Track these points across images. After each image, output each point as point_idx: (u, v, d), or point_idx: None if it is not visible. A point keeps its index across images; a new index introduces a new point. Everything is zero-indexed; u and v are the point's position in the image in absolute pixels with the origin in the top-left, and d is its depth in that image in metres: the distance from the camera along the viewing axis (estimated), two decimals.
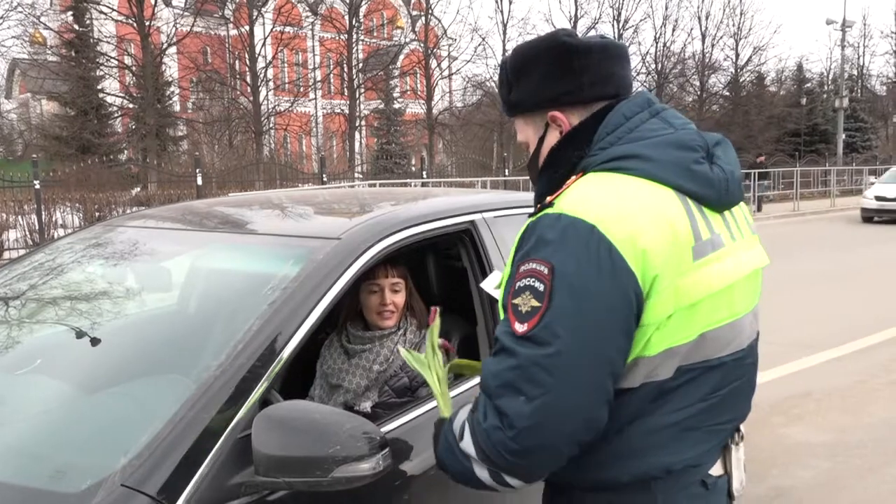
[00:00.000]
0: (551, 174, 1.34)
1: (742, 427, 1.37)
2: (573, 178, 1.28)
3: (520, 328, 1.14)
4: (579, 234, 1.14)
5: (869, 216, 18.42)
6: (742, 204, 1.37)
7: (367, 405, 2.06)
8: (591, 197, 1.20)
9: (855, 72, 43.81)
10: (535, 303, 1.14)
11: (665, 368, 1.19)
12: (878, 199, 18.33)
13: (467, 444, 1.20)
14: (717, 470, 1.30)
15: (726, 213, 1.30)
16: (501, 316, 1.22)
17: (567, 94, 1.32)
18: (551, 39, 1.33)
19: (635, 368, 1.18)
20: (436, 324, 1.55)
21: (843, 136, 32.19)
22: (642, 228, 1.15)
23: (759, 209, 21.32)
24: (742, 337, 1.29)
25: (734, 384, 1.29)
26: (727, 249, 1.25)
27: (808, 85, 41.11)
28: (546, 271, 1.14)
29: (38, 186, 12.56)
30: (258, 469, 1.36)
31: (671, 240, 1.17)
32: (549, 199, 1.23)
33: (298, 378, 2.22)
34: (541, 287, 1.14)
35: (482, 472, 1.20)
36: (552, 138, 1.35)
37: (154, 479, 1.32)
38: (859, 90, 42.97)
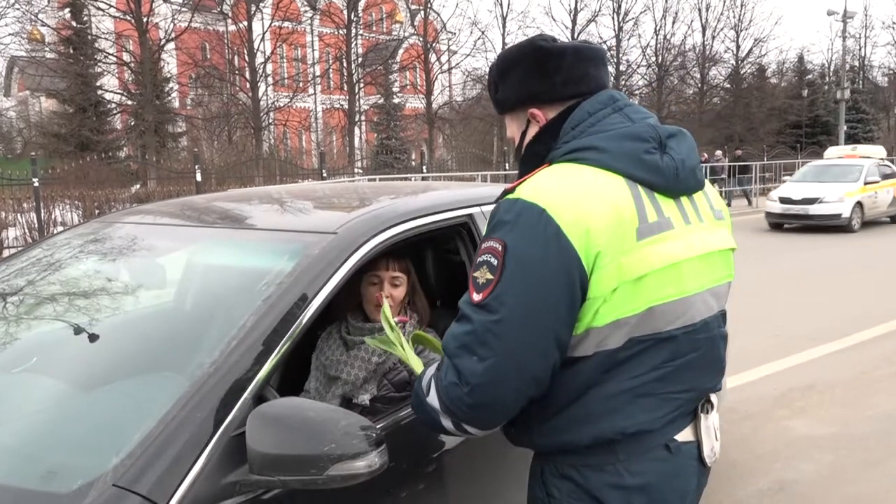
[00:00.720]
0: (528, 168, 1.48)
1: (714, 398, 1.49)
2: (538, 168, 1.43)
3: (476, 297, 1.31)
4: (531, 216, 1.30)
5: (776, 222, 15.13)
6: (709, 192, 1.52)
7: (365, 398, 2.03)
8: (545, 184, 1.35)
9: (856, 63, 43.64)
10: (489, 276, 1.30)
11: (614, 338, 1.32)
12: (784, 201, 14.88)
13: (433, 399, 1.36)
14: (684, 436, 1.43)
15: (683, 199, 1.43)
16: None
17: (543, 92, 1.48)
18: (529, 44, 1.50)
19: (587, 338, 1.32)
20: (386, 306, 1.71)
21: (845, 127, 32.07)
22: (587, 212, 1.29)
23: (749, 203, 21.24)
24: (692, 312, 1.40)
25: (688, 356, 1.40)
26: (676, 231, 1.38)
27: (810, 76, 40.99)
28: (500, 248, 1.30)
29: (37, 184, 12.53)
30: (252, 467, 1.34)
31: (614, 221, 1.30)
32: (510, 185, 1.41)
33: (295, 373, 2.19)
34: (495, 262, 1.30)
35: (447, 422, 1.37)
36: (531, 132, 1.52)
37: (146, 479, 1.30)
38: (861, 81, 42.80)
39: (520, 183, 1.39)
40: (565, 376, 1.34)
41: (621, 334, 1.32)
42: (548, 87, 1.47)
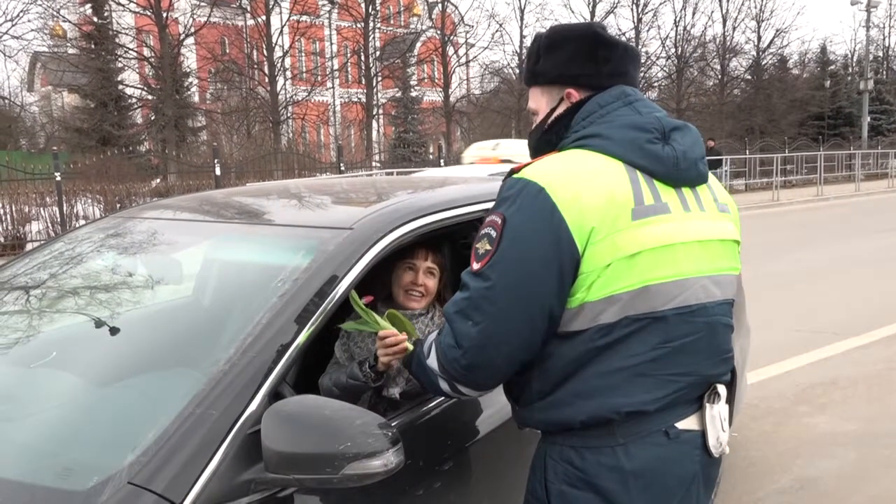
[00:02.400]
0: (539, 154, 1.55)
1: (721, 389, 1.51)
2: (546, 154, 1.51)
3: (475, 266, 1.40)
4: (530, 194, 1.38)
5: None
6: (713, 186, 1.57)
7: (395, 391, 2.01)
8: (547, 166, 1.43)
9: (880, 53, 42.94)
10: (488, 247, 1.39)
11: (608, 314, 1.37)
12: None
13: (433, 361, 1.46)
14: (687, 424, 1.46)
15: (685, 189, 1.49)
16: None
17: (588, 76, 1.53)
18: (587, 27, 1.55)
19: (582, 312, 1.37)
20: (352, 293, 1.74)
21: (868, 118, 31.63)
22: (582, 191, 1.37)
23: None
24: (687, 294, 1.43)
25: (686, 339, 1.43)
26: (673, 216, 1.43)
27: (832, 67, 40.35)
28: (500, 222, 1.39)
29: (59, 178, 12.67)
30: (268, 466, 1.34)
31: (608, 201, 1.37)
32: (517, 166, 1.47)
33: (311, 370, 2.19)
34: (494, 234, 1.39)
35: (443, 384, 1.46)
36: (560, 110, 1.56)
37: (162, 477, 1.29)
38: (885, 72, 42.12)
39: (524, 166, 1.46)
40: (563, 350, 1.40)
41: (615, 310, 1.37)
42: (594, 73, 1.52)
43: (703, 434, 1.48)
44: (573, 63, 1.53)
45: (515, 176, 1.44)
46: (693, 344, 1.45)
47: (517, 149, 7.78)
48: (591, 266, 1.35)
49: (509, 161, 7.82)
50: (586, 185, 1.38)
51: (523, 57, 32.94)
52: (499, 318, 1.36)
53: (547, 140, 1.56)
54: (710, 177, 1.58)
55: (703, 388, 1.49)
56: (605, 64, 1.52)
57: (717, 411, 1.50)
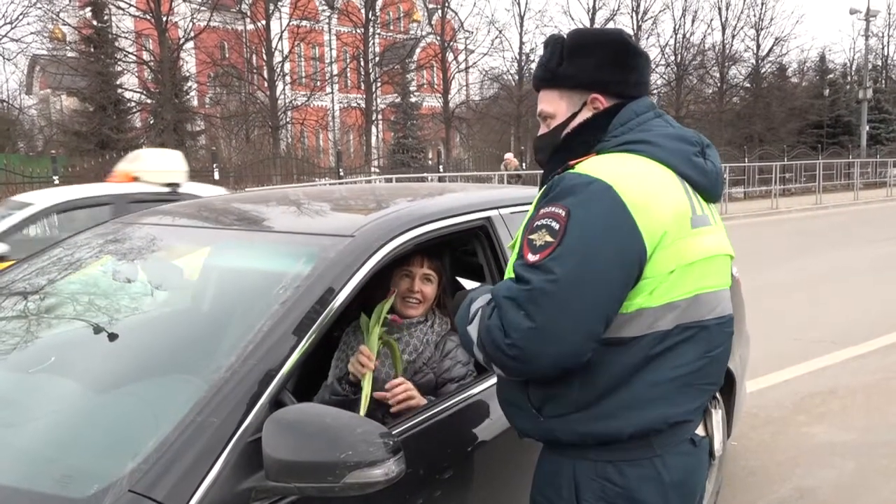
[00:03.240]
0: (565, 155, 1.50)
1: (719, 396, 1.65)
2: (588, 156, 1.47)
3: (532, 258, 1.33)
4: (597, 190, 1.34)
5: None
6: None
7: (388, 362, 2.02)
8: (609, 165, 1.41)
9: (879, 62, 43.06)
10: (549, 238, 1.32)
11: (665, 321, 1.35)
12: None
13: (472, 329, 1.40)
14: (701, 430, 1.49)
15: (709, 204, 1.54)
16: (514, 257, 1.41)
17: (617, 83, 1.52)
18: (617, 34, 1.55)
19: (639, 318, 1.34)
20: (379, 308, 1.93)
21: (867, 127, 31.70)
22: (652, 194, 1.36)
23: None
24: (724, 305, 1.48)
25: (718, 349, 1.46)
26: (712, 228, 1.48)
27: (831, 76, 40.45)
28: (563, 214, 1.32)
29: (57, 182, 12.68)
30: (269, 474, 1.33)
31: (674, 207, 1.38)
32: (571, 162, 1.43)
33: (311, 378, 2.18)
34: (556, 226, 1.32)
35: (478, 353, 1.40)
36: (583, 116, 1.53)
37: (162, 484, 1.29)
38: (884, 81, 42.22)
39: (578, 162, 1.44)
40: (614, 357, 1.35)
41: (672, 317, 1.36)
42: (622, 80, 1.52)
43: (709, 439, 1.52)
44: (603, 69, 1.51)
45: (574, 171, 1.40)
46: (722, 354, 1.49)
47: (154, 164, 6.13)
48: (656, 271, 1.34)
49: (138, 179, 5.92)
50: (655, 190, 1.38)
51: (524, 63, 33.21)
52: (555, 315, 1.28)
53: (584, 141, 1.51)
54: None
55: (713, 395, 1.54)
56: (632, 72, 1.53)
57: (717, 416, 1.55)
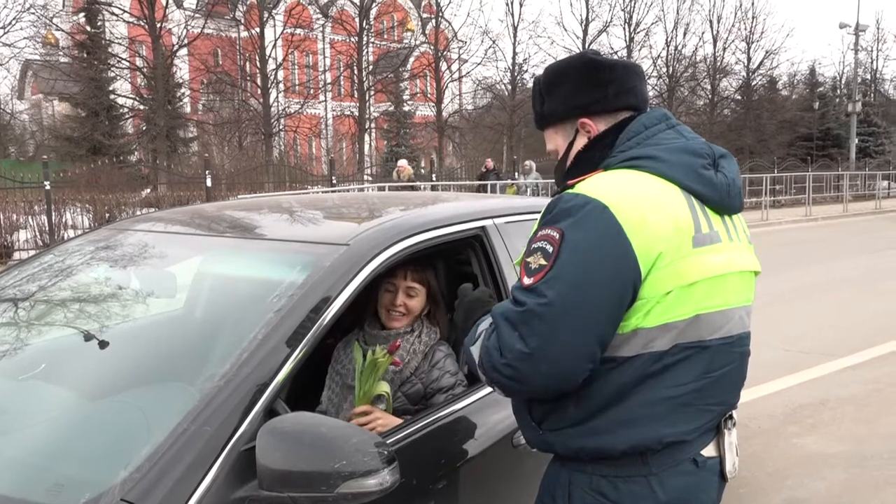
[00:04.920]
0: (579, 173, 1.49)
1: (735, 416, 1.51)
2: (592, 172, 1.46)
3: (527, 281, 1.34)
4: (592, 211, 1.32)
5: None
6: (741, 217, 1.56)
7: (381, 407, 2.02)
8: (607, 183, 1.39)
9: (868, 76, 43.47)
10: (542, 261, 1.33)
11: (661, 341, 1.34)
12: None
13: (475, 350, 1.43)
14: (709, 451, 1.45)
15: (726, 217, 1.48)
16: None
17: (596, 102, 1.51)
18: (580, 57, 1.55)
19: (634, 338, 1.33)
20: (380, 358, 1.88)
21: (856, 140, 31.96)
22: (648, 214, 1.33)
23: None
24: (731, 325, 1.43)
25: (724, 369, 1.43)
26: (723, 245, 1.43)
27: (821, 89, 40.80)
28: (557, 237, 1.33)
29: (48, 187, 12.59)
30: (262, 483, 1.32)
31: (673, 226, 1.35)
32: (569, 182, 1.44)
33: (307, 385, 2.18)
34: (550, 249, 1.33)
35: (480, 374, 1.41)
36: (580, 143, 1.54)
37: (155, 494, 1.28)
38: (873, 94, 42.60)
39: (579, 181, 1.42)
40: (609, 376, 1.35)
41: (669, 338, 1.34)
42: (600, 98, 1.51)
43: (720, 460, 1.47)
44: (578, 93, 1.52)
45: (572, 191, 1.39)
46: (729, 374, 1.45)
47: None
48: (652, 292, 1.32)
49: None
50: (652, 209, 1.34)
51: (517, 73, 33.35)
52: (549, 337, 1.29)
53: (588, 158, 1.52)
54: None
55: (724, 415, 1.49)
56: (608, 86, 1.50)
57: (731, 437, 1.50)
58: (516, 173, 19.01)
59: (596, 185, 1.38)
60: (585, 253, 1.30)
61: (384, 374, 1.95)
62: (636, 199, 1.35)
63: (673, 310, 1.33)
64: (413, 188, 15.99)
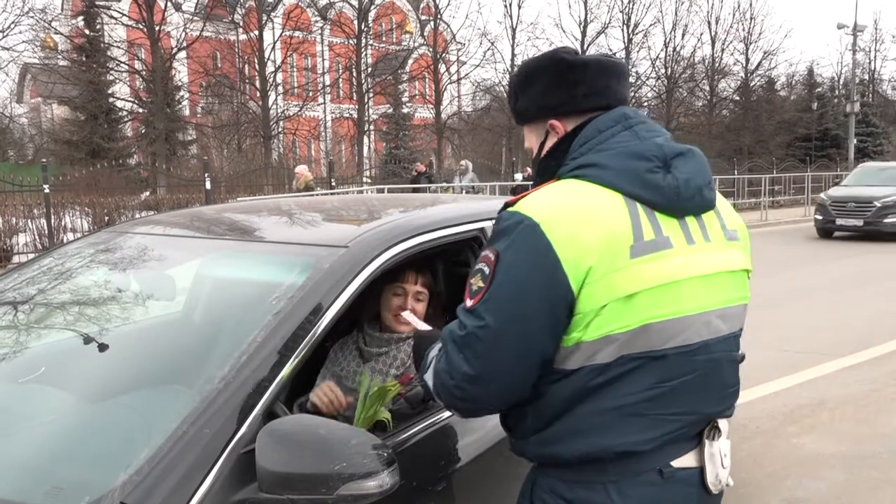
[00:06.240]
0: (540, 181, 1.49)
1: (723, 424, 1.45)
2: (545, 183, 1.45)
3: (468, 303, 1.36)
4: (524, 230, 1.32)
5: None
6: (722, 212, 1.49)
7: (381, 434, 2.01)
8: (543, 199, 1.37)
9: (866, 76, 43.51)
10: (480, 283, 1.34)
11: (604, 353, 1.32)
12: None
13: (429, 376, 1.44)
14: (684, 462, 1.40)
15: (689, 219, 1.42)
16: None
17: (564, 103, 1.48)
18: (552, 55, 1.50)
19: (577, 351, 1.33)
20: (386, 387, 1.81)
21: (855, 140, 31.96)
22: (580, 229, 1.31)
23: None
24: (689, 332, 1.37)
25: (684, 378, 1.37)
26: (675, 251, 1.37)
27: (819, 90, 40.82)
28: (493, 258, 1.34)
29: (47, 190, 12.59)
30: (262, 486, 1.32)
31: (606, 239, 1.31)
32: (512, 199, 1.42)
33: (306, 388, 2.18)
34: (487, 271, 1.34)
35: (439, 400, 1.43)
36: (550, 143, 1.52)
37: (154, 497, 1.28)
38: (871, 95, 42.65)
39: (522, 196, 1.41)
40: (557, 387, 1.35)
41: (612, 350, 1.32)
42: (568, 99, 1.47)
43: (701, 471, 1.42)
44: (547, 94, 1.49)
45: (510, 209, 1.38)
46: (692, 383, 1.39)
47: None
48: (587, 307, 1.30)
49: None
50: (584, 222, 1.32)
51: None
52: (490, 358, 1.31)
53: (547, 166, 1.50)
54: (721, 201, 1.51)
55: (704, 425, 1.44)
56: (577, 86, 1.46)
57: (717, 448, 1.44)
58: (456, 176, 18.63)
59: (531, 202, 1.37)
60: (518, 273, 1.31)
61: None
62: (568, 214, 1.33)
63: (612, 322, 1.31)
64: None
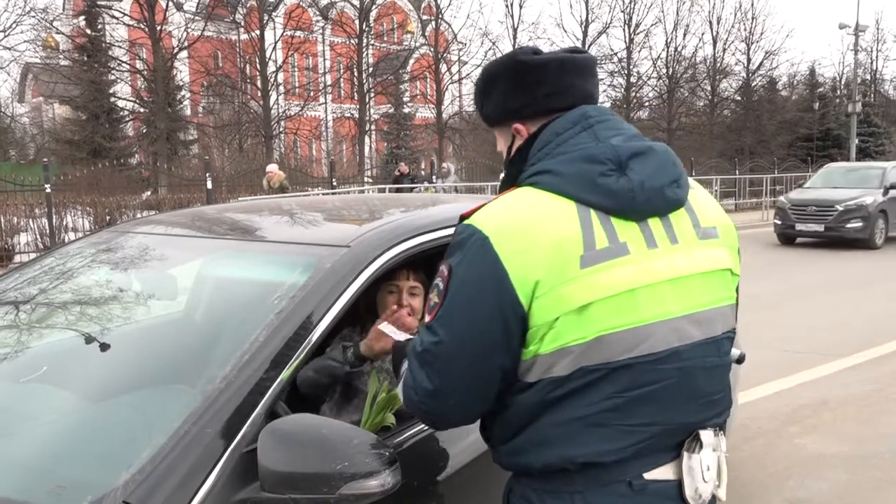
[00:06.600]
0: (504, 189, 1.45)
1: (706, 435, 1.38)
2: (506, 191, 1.41)
3: (427, 318, 1.34)
4: (474, 244, 1.29)
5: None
6: (697, 210, 1.40)
7: (385, 437, 2.01)
8: (495, 211, 1.33)
9: (868, 76, 43.51)
10: (436, 299, 1.32)
11: (561, 366, 1.28)
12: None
13: (399, 389, 1.42)
14: (659, 474, 1.34)
15: (652, 221, 1.34)
16: None
17: (525, 107, 1.44)
18: (509, 58, 1.45)
19: (535, 364, 1.29)
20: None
21: (857, 141, 31.95)
22: (527, 241, 1.27)
23: None
24: (652, 341, 1.31)
25: (649, 388, 1.31)
26: (633, 257, 1.30)
27: (821, 89, 40.84)
28: (447, 273, 1.32)
29: (48, 190, 12.61)
30: (264, 485, 1.32)
31: (553, 251, 1.27)
32: (467, 211, 1.37)
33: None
34: (441, 286, 1.32)
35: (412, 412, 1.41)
36: (515, 148, 1.48)
37: (157, 496, 1.28)
38: (872, 95, 42.65)
39: (479, 208, 1.36)
40: (519, 399, 1.33)
41: (568, 362, 1.28)
42: (529, 101, 1.43)
43: (679, 484, 1.35)
44: (508, 97, 1.45)
45: (465, 222, 1.34)
46: (659, 392, 1.32)
47: None
48: (540, 320, 1.27)
49: None
50: (532, 234, 1.28)
51: None
52: (448, 373, 1.30)
53: (509, 174, 1.46)
54: (698, 197, 1.43)
55: (682, 436, 1.37)
56: (538, 87, 1.41)
57: (696, 461, 1.36)
58: (434, 177, 18.59)
59: (483, 215, 1.33)
60: (469, 289, 1.28)
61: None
62: (516, 226, 1.29)
63: (565, 335, 1.27)
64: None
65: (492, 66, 1.49)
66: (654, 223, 1.34)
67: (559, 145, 1.37)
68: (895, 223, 14.16)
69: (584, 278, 1.27)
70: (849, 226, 13.58)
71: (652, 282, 1.31)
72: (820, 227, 13.82)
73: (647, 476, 1.33)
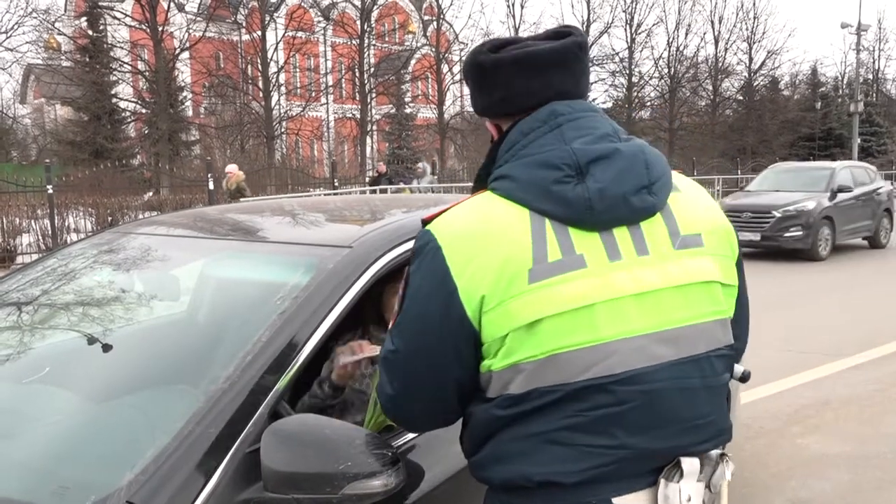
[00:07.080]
0: (473, 191, 1.39)
1: (688, 464, 1.26)
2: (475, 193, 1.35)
3: (390, 325, 1.33)
4: (428, 252, 1.25)
5: None
6: (678, 213, 1.28)
7: (388, 438, 2.01)
8: (452, 218, 1.27)
9: (870, 76, 43.51)
10: (396, 307, 1.31)
11: (516, 384, 1.21)
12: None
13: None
14: (630, 500, 1.23)
15: (618, 231, 1.23)
16: None
17: (488, 108, 1.37)
18: (470, 57, 1.36)
19: (491, 380, 1.25)
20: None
21: (859, 140, 31.94)
22: (476, 253, 1.21)
23: None
24: (611, 361, 1.19)
25: (613, 408, 1.20)
26: (590, 270, 1.20)
27: (823, 89, 40.86)
28: (405, 280, 1.29)
29: (51, 191, 12.64)
30: (267, 485, 1.33)
31: (500, 264, 1.19)
32: (428, 216, 1.31)
33: (310, 388, 2.18)
34: (401, 293, 1.30)
35: None
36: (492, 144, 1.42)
37: (160, 496, 1.29)
38: (874, 94, 42.69)
39: (436, 215, 1.30)
40: (479, 413, 1.28)
41: (521, 380, 1.20)
42: (488, 103, 1.35)
43: None
44: (474, 97, 1.38)
45: (426, 227, 1.29)
46: (626, 415, 1.21)
47: None
48: (490, 336, 1.21)
49: None
50: (481, 245, 1.21)
51: None
52: (405, 381, 1.29)
53: (478, 175, 1.39)
54: (682, 200, 1.30)
55: (659, 461, 1.25)
56: (494, 89, 1.33)
57: (674, 490, 1.24)
58: (415, 179, 18.53)
59: (442, 222, 1.27)
60: (421, 298, 1.25)
61: None
62: (467, 236, 1.22)
63: (516, 352, 1.20)
64: (241, 200, 12.21)
65: (463, 65, 1.41)
66: (621, 233, 1.23)
67: (525, 146, 1.27)
68: (845, 231, 12.62)
69: (533, 293, 1.18)
70: (787, 234, 11.89)
71: (612, 297, 1.20)
72: (756, 237, 12.06)
73: (617, 501, 1.23)
